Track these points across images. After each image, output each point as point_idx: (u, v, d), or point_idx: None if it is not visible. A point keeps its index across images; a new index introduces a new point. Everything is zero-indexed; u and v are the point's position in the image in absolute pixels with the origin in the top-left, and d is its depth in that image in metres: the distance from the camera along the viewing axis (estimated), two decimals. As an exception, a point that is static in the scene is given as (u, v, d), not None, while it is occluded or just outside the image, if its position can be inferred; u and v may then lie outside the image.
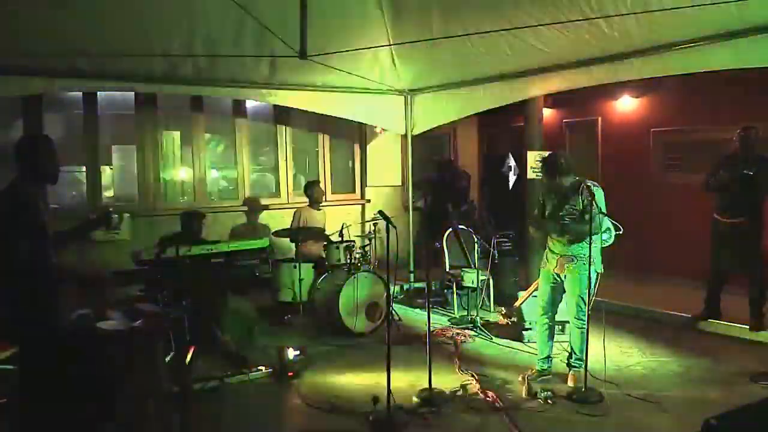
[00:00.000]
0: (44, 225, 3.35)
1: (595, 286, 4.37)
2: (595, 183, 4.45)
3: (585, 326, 4.43)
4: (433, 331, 4.83)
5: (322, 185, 8.27)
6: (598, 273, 4.44)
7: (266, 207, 7.96)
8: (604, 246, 4.50)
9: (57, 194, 6.78)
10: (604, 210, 4.30)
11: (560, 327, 5.27)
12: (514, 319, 5.96)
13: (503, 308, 6.49)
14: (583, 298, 4.40)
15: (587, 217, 4.23)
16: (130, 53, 5.32)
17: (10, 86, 5.32)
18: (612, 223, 4.47)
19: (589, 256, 4.27)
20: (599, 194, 4.35)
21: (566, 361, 4.68)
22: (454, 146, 10.22)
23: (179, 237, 5.38)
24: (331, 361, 5.23)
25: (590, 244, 4.24)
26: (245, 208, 7.87)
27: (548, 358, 4.72)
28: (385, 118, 7.70)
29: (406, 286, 7.70)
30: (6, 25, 4.64)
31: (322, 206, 7.18)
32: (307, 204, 7.01)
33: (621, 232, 4.48)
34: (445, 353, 5.34)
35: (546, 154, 6.49)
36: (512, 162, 9.14)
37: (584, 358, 4.43)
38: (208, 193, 7.80)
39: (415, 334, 5.91)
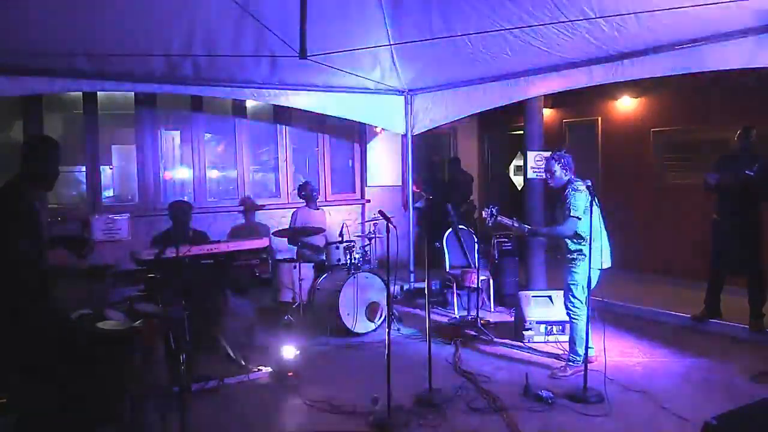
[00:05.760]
0: (41, 225, 3.35)
1: (586, 280, 4.46)
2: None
3: (576, 316, 4.61)
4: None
5: (322, 185, 8.27)
6: (590, 268, 4.48)
7: (261, 207, 7.96)
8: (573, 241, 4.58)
9: (57, 194, 6.78)
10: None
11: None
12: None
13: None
14: (569, 287, 4.63)
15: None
16: (130, 53, 5.32)
17: (10, 86, 5.31)
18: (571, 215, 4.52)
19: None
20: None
21: None
22: (454, 146, 10.21)
23: (170, 233, 5.37)
24: (331, 361, 5.23)
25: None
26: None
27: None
28: (385, 118, 7.69)
29: (406, 286, 7.70)
30: (6, 25, 4.63)
31: (322, 206, 7.16)
32: (305, 204, 7.00)
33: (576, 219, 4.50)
34: (445, 353, 5.34)
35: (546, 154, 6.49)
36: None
37: (576, 351, 4.61)
38: (207, 193, 7.80)
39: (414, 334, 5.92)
